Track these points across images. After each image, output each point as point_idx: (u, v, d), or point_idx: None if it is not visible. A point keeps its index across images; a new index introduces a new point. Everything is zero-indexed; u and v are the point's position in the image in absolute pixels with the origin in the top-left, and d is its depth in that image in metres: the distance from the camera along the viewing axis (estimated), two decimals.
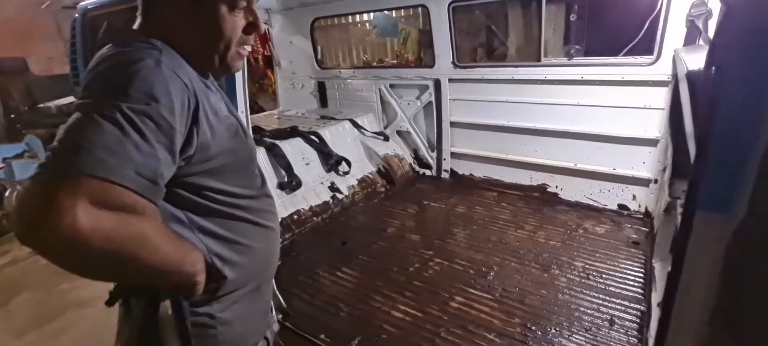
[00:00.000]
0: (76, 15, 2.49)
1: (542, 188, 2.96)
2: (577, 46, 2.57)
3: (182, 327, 0.73)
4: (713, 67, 0.66)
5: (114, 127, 0.56)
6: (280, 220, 2.62)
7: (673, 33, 2.15)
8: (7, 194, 4.40)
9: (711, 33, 2.02)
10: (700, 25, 1.98)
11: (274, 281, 1.05)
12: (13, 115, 5.77)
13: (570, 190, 2.83)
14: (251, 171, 0.87)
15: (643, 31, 2.21)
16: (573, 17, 2.83)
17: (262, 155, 2.67)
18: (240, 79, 1.39)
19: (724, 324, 0.89)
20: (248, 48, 0.83)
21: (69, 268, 0.57)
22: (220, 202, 0.77)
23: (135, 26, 0.76)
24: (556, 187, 2.89)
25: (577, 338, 1.64)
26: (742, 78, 0.62)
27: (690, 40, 2.09)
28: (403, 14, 4.83)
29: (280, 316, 1.84)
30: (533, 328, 1.70)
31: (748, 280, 0.76)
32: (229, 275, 0.78)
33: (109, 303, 0.78)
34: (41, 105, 5.69)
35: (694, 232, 0.71)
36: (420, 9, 3.29)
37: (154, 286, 0.73)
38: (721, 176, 0.66)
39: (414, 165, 3.57)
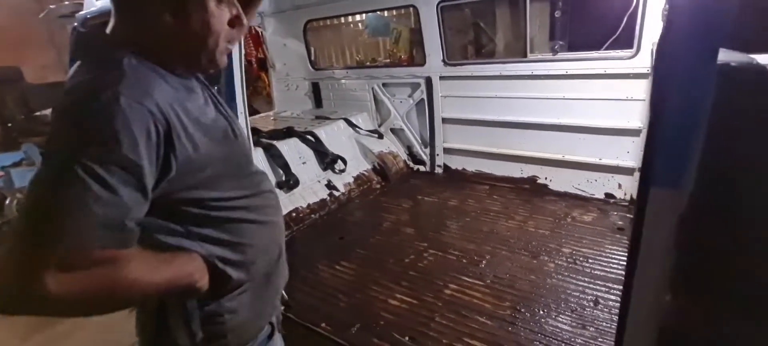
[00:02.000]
0: (75, 24, 2.55)
1: (532, 180, 3.06)
2: (560, 42, 2.67)
3: (188, 319, 0.78)
4: (660, 62, 0.75)
5: (74, 187, 0.57)
6: None
7: (650, 27, 2.25)
8: (7, 202, 4.44)
9: None
10: None
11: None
12: (9, 124, 5.79)
13: (559, 181, 2.93)
14: (248, 172, 0.87)
15: (623, 25, 2.31)
16: (558, 14, 2.93)
17: (259, 155, 2.75)
18: (239, 82, 1.47)
19: (681, 291, 0.99)
20: (235, 44, 0.81)
21: (59, 317, 0.65)
22: (218, 208, 0.77)
23: (108, 29, 0.72)
24: (546, 178, 3.00)
25: (563, 318, 1.74)
26: (683, 69, 0.71)
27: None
28: (395, 14, 4.91)
29: (283, 307, 1.93)
30: (522, 310, 1.80)
31: (700, 248, 0.86)
32: (233, 275, 0.80)
33: None
34: (37, 113, 5.72)
35: (649, 207, 0.80)
36: (410, 9, 3.37)
37: None
38: (670, 155, 0.75)
39: (408, 161, 3.66)
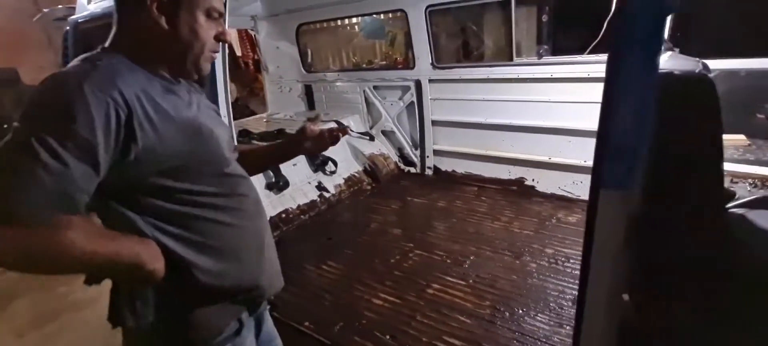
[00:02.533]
0: (67, 27, 2.60)
1: (520, 182, 3.10)
2: (545, 46, 2.72)
3: (133, 299, 0.83)
4: (609, 72, 0.79)
5: (27, 155, 0.65)
6: (268, 218, 2.74)
7: None
8: None
9: (665, 33, 2.17)
10: None
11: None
12: (6, 126, 5.82)
13: (545, 182, 2.97)
14: (222, 172, 0.90)
15: (603, 30, 2.35)
16: (545, 18, 2.98)
17: None
18: (222, 85, 1.51)
19: (636, 289, 1.03)
20: (217, 53, 0.92)
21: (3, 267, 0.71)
22: (183, 202, 0.82)
23: (108, 40, 0.83)
24: (533, 180, 3.04)
25: (541, 317, 1.78)
26: (628, 79, 0.75)
27: None
28: (391, 16, 4.96)
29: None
30: (502, 309, 1.84)
31: (648, 244, 0.90)
32: (196, 273, 0.84)
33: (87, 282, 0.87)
34: None
35: (600, 207, 0.84)
36: (400, 13, 3.42)
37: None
38: (618, 158, 0.80)
39: (399, 163, 3.70)
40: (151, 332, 0.86)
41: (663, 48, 2.00)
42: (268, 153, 1.32)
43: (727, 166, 1.91)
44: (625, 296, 1.09)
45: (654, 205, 0.83)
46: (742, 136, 2.11)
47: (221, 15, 0.88)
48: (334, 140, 1.22)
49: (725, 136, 2.22)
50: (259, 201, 1.03)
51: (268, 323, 1.21)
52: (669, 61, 1.01)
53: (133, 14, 0.81)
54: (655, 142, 0.82)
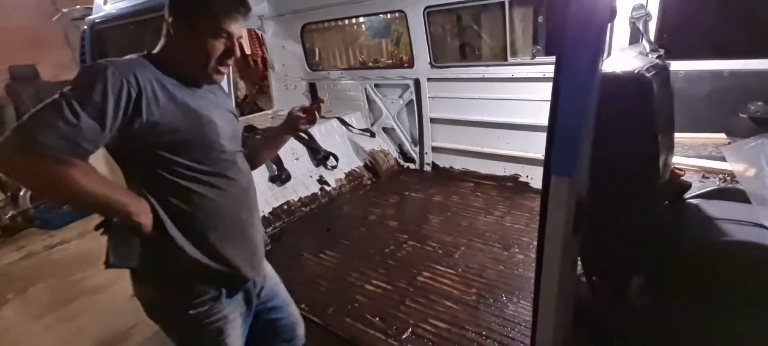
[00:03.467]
0: (85, 27, 2.76)
1: (514, 178, 3.19)
2: (538, 46, 2.80)
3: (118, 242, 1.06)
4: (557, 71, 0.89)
5: (54, 107, 0.87)
6: (270, 210, 2.89)
7: (619, 32, 2.37)
8: (21, 193, 4.70)
9: (651, 34, 2.24)
10: (641, 27, 2.20)
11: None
12: None
13: (539, 179, 3.01)
14: (216, 155, 1.10)
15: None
16: (540, 19, 3.05)
17: None
18: (225, 85, 1.63)
19: (589, 270, 1.13)
20: (229, 65, 1.12)
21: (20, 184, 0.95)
22: (174, 173, 1.03)
23: (158, 47, 1.10)
24: (527, 176, 3.12)
25: (523, 303, 1.87)
26: (572, 77, 0.85)
27: (634, 40, 2.30)
28: (397, 16, 5.05)
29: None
30: (487, 296, 1.94)
31: (599, 228, 0.99)
32: (174, 235, 1.05)
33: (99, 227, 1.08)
34: None
35: (551, 191, 0.94)
36: (399, 13, 3.52)
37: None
38: (564, 151, 0.90)
39: (399, 159, 3.81)
40: (142, 275, 1.10)
41: (648, 48, 2.09)
42: (266, 139, 1.52)
43: (700, 163, 1.97)
44: (581, 276, 1.19)
45: (599, 191, 0.93)
46: (722, 135, 2.17)
47: (231, 35, 1.07)
48: (316, 109, 1.40)
49: (704, 135, 2.28)
50: (250, 193, 1.22)
51: (281, 306, 1.47)
52: (628, 59, 1.10)
53: (167, 35, 1.07)
54: (601, 133, 0.92)
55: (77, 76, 0.95)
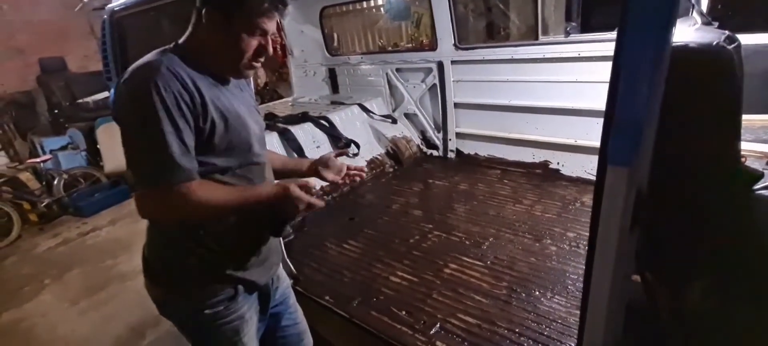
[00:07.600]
0: (105, 16, 2.75)
1: (544, 165, 3.04)
2: (573, 23, 2.61)
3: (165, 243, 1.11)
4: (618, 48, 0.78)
5: (159, 141, 0.89)
6: None
7: None
8: (55, 182, 4.86)
9: (703, 5, 2.03)
10: None
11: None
12: (56, 111, 6.27)
13: (571, 165, 2.89)
14: (243, 157, 1.09)
15: None
16: None
17: (274, 139, 2.89)
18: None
19: (645, 268, 1.01)
20: (261, 62, 1.07)
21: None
22: (212, 170, 1.03)
23: (185, 36, 1.05)
24: (558, 163, 2.97)
25: (558, 299, 1.77)
26: (635, 69, 0.74)
27: (684, 13, 2.10)
28: None
29: (291, 281, 2.06)
30: (519, 290, 1.85)
31: (660, 224, 0.88)
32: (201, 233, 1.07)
33: None
34: (80, 100, 6.16)
35: (607, 182, 0.83)
36: None
37: None
38: (623, 138, 0.78)
39: (422, 146, 3.70)
40: (156, 275, 1.11)
41: (701, 21, 1.89)
42: (281, 163, 1.42)
43: (762, 147, 1.79)
44: (637, 278, 1.08)
45: (664, 182, 0.82)
46: None
47: (265, 32, 1.02)
48: (348, 179, 1.39)
49: (763, 116, 2.07)
50: (265, 171, 1.19)
51: (289, 311, 1.42)
52: (690, 33, 0.96)
53: (197, 26, 1.02)
54: (667, 117, 0.80)
55: (129, 109, 0.93)
